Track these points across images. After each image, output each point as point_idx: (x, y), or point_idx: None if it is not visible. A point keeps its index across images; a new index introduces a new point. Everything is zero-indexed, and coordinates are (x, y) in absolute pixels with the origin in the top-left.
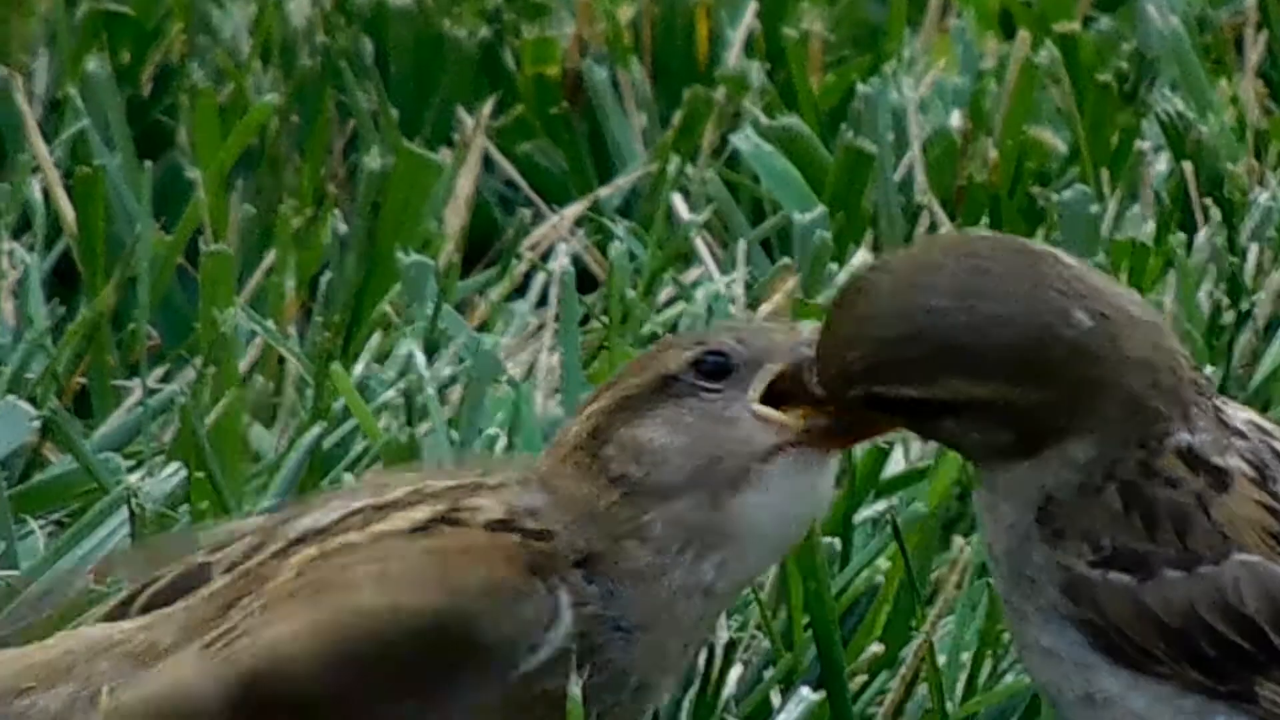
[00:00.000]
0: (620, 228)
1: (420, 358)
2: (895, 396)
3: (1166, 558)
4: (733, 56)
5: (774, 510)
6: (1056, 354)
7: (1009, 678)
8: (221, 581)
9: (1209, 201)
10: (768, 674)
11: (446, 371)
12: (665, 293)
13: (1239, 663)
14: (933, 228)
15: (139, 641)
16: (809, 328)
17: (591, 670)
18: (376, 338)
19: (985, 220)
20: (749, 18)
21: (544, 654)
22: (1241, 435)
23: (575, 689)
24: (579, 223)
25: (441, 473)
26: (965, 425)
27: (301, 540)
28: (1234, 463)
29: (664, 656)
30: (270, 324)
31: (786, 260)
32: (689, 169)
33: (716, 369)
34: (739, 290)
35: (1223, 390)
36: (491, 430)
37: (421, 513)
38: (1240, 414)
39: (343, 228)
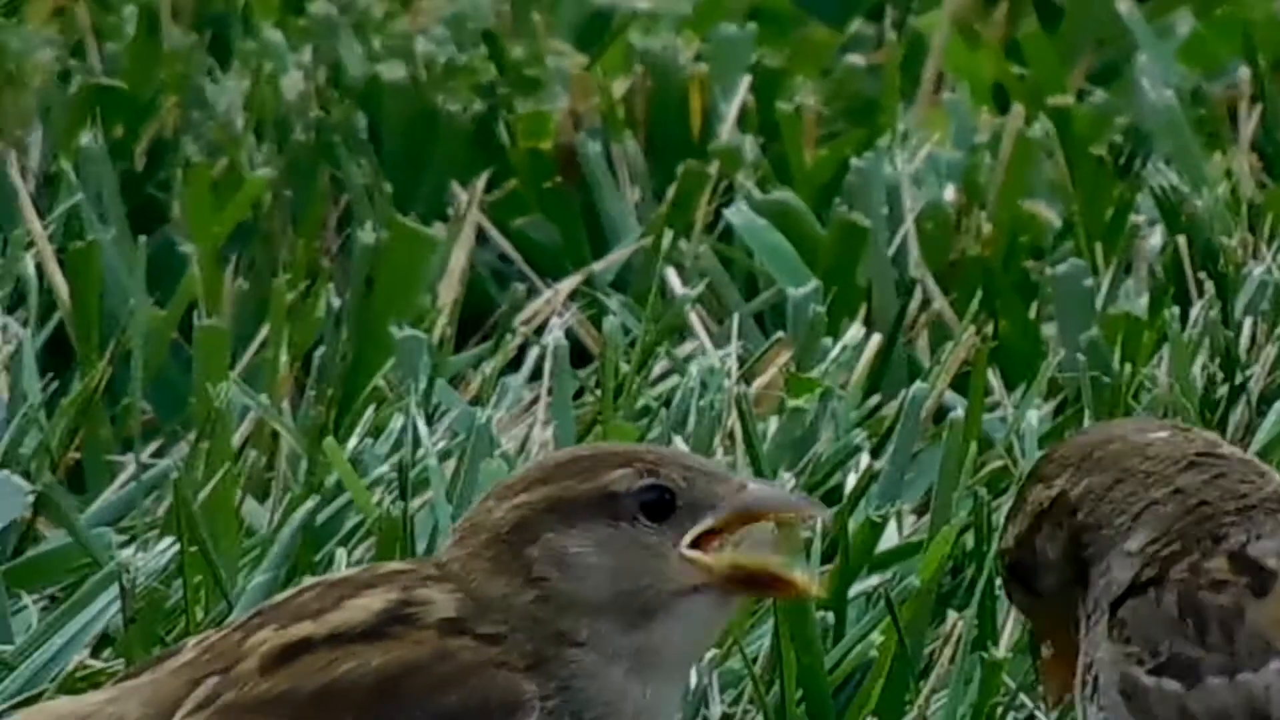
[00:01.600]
0: (614, 302)
1: (423, 428)
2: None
3: (1214, 664)
4: (726, 130)
5: (689, 637)
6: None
7: None
8: (188, 655)
9: (1203, 275)
10: None
11: (440, 445)
12: (659, 367)
13: None
14: (926, 302)
15: (105, 715)
16: (753, 482)
17: None
18: (370, 412)
19: (979, 294)
20: (743, 92)
21: None
22: None
23: None
24: (573, 296)
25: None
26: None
27: (258, 614)
28: None
29: None
30: (264, 398)
31: (780, 334)
32: (683, 243)
33: (659, 506)
34: (733, 364)
35: None
36: None
37: (376, 600)
38: None
39: (336, 302)
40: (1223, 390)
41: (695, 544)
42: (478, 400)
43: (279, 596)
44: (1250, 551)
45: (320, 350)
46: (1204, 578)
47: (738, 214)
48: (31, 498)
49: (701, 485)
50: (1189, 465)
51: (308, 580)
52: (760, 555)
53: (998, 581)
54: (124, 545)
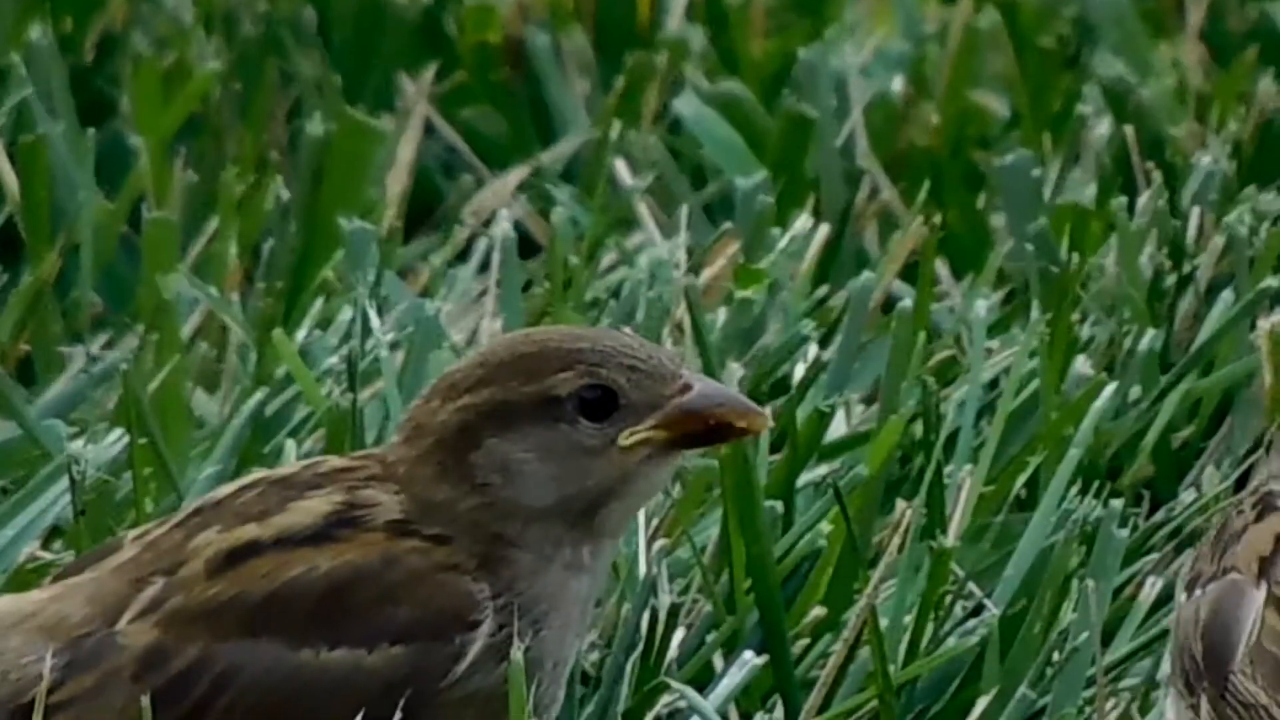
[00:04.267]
0: (562, 193)
1: (374, 318)
2: None
3: (1210, 576)
4: (674, 21)
5: (633, 507)
6: None
7: (951, 641)
8: (129, 552)
9: (1150, 165)
10: (710, 638)
11: (389, 337)
12: (608, 258)
13: (1192, 675)
14: (874, 193)
15: (50, 614)
16: (699, 381)
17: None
18: (319, 304)
19: (927, 185)
20: None
21: (471, 655)
22: None
23: (517, 653)
24: (521, 188)
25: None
26: None
27: (198, 512)
28: None
29: (570, 630)
30: (213, 290)
31: (728, 225)
32: (631, 134)
33: (601, 406)
34: (681, 255)
35: (1164, 354)
36: None
37: (321, 503)
38: None
39: (285, 194)
40: (1170, 280)
41: None
42: (426, 292)
43: (219, 493)
44: (1271, 486)
45: (269, 242)
46: (1236, 506)
47: (686, 105)
48: None
49: (645, 386)
50: None
51: (248, 477)
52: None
53: (946, 470)
54: (74, 437)
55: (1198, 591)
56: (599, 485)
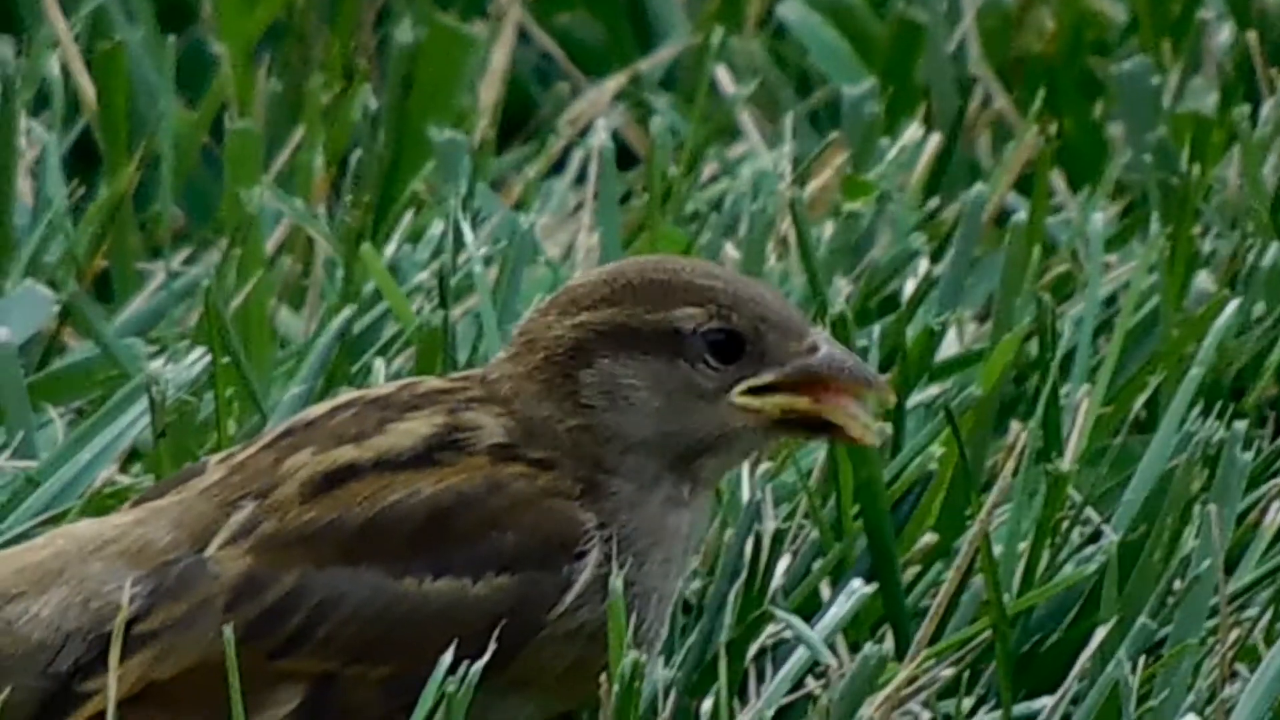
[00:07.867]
0: (662, 101)
1: (468, 231)
2: None
3: None
4: None
5: (730, 464)
6: None
7: (1067, 569)
8: (216, 474)
9: (1274, 72)
10: (817, 565)
11: (482, 252)
12: (709, 169)
13: None
14: (986, 101)
15: (133, 539)
16: (826, 344)
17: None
18: (408, 217)
19: (1042, 93)
20: None
21: (579, 586)
22: None
23: (617, 581)
24: (619, 97)
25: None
26: None
27: (289, 433)
28: None
29: (672, 565)
30: (298, 203)
31: (835, 134)
32: (733, 40)
33: (726, 349)
34: (786, 166)
35: None
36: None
37: (422, 425)
38: None
39: (373, 103)
40: None
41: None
42: (520, 205)
43: (310, 413)
44: None
45: (357, 153)
46: None
47: (791, 9)
48: (57, 308)
49: (772, 339)
50: None
51: (341, 397)
52: (817, 399)
53: (1063, 390)
54: (153, 357)
55: None
56: (700, 433)
